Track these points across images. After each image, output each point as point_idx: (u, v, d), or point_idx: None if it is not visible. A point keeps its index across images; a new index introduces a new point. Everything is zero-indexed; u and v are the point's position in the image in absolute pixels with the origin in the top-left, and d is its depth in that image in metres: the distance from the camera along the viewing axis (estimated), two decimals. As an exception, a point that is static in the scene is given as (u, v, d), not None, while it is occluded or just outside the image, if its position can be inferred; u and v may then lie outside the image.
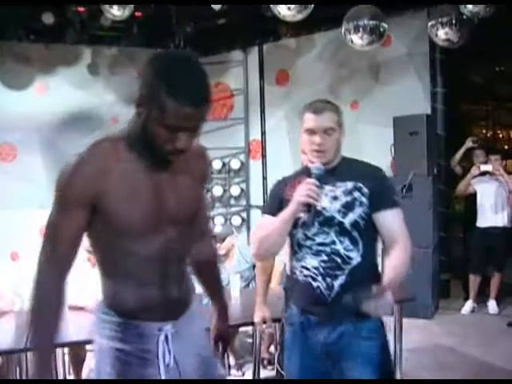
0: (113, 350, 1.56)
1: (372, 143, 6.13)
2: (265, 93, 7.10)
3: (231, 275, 4.01)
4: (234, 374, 4.15)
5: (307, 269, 2.12)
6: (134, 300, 1.56)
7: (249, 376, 4.08)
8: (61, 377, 3.68)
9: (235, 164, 7.17)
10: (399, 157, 5.77)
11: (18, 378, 3.45)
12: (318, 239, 2.11)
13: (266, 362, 4.19)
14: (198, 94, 1.44)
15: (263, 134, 7.12)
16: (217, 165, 7.08)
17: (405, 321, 3.75)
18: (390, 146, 5.80)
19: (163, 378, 1.56)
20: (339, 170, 2.18)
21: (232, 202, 7.25)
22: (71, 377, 3.81)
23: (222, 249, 4.55)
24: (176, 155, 1.50)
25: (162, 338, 1.57)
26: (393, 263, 2.05)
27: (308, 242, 2.14)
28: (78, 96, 6.76)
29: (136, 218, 1.50)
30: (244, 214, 7.18)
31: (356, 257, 2.09)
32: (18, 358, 3.40)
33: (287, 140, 6.85)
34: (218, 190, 7.15)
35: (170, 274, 1.60)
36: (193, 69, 1.48)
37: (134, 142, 1.52)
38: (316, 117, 2.14)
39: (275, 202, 2.24)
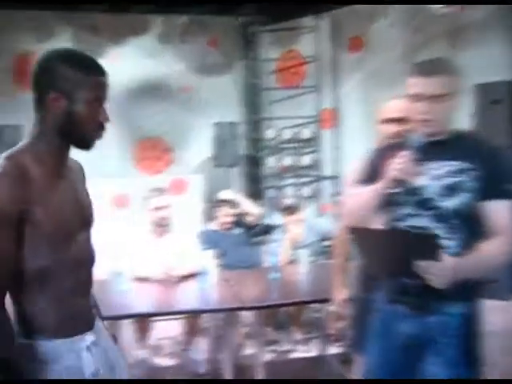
0: (45, 373, 1.46)
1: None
2: (337, 60, 6.84)
3: (300, 250, 3.90)
4: (301, 349, 4.07)
5: None
6: (64, 314, 1.50)
7: (315, 352, 3.99)
8: (126, 347, 3.72)
9: (306, 134, 6.99)
10: (479, 127, 5.42)
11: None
12: (411, 222, 1.87)
13: (333, 339, 4.08)
14: (98, 64, 1.53)
15: (336, 102, 6.89)
16: (287, 134, 6.93)
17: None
18: (470, 116, 5.46)
19: None
20: (448, 144, 1.87)
21: (302, 172, 7.09)
22: (137, 347, 3.84)
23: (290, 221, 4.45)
24: (101, 132, 1.54)
25: (86, 350, 1.52)
26: (483, 253, 1.80)
27: (399, 224, 1.90)
28: (148, 65, 6.75)
29: (63, 220, 1.49)
30: (314, 185, 7.02)
31: (453, 247, 1.81)
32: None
33: (360, 109, 6.58)
34: (287, 160, 7.01)
35: (88, 280, 1.61)
36: (79, 51, 1.58)
37: (45, 149, 1.50)
38: (423, 80, 1.83)
39: (367, 174, 2.01)
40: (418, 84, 1.84)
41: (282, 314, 4.22)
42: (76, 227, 1.55)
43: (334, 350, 3.93)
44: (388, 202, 1.91)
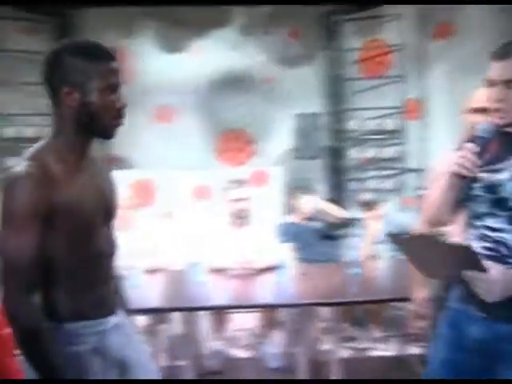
0: (75, 355, 1.53)
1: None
2: (424, 48, 6.58)
3: (380, 245, 3.79)
4: (379, 348, 3.97)
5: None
6: (91, 300, 1.57)
7: (394, 351, 3.88)
8: (204, 338, 3.77)
9: (390, 125, 6.79)
10: None
11: (166, 336, 3.59)
12: (487, 221, 1.71)
13: (413, 339, 3.95)
14: (106, 49, 1.51)
15: (421, 92, 6.64)
16: (370, 125, 6.76)
17: None
18: None
19: (112, 371, 1.59)
20: None
21: (385, 164, 6.91)
22: (213, 337, 3.88)
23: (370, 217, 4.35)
24: (120, 119, 1.53)
25: (107, 332, 1.60)
26: None
27: (475, 222, 1.75)
28: (232, 57, 6.79)
29: (87, 215, 1.52)
30: (397, 178, 6.82)
31: None
32: (166, 317, 3.54)
33: (447, 99, 6.31)
34: (370, 152, 6.85)
35: (111, 269, 1.65)
36: (84, 40, 1.58)
37: (65, 145, 1.51)
38: (498, 64, 1.65)
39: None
40: (492, 68, 1.66)
41: (361, 310, 4.13)
42: (99, 219, 1.58)
43: (413, 350, 3.81)
44: (468, 198, 1.76)
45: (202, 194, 6.05)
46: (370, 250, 4.16)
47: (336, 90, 6.98)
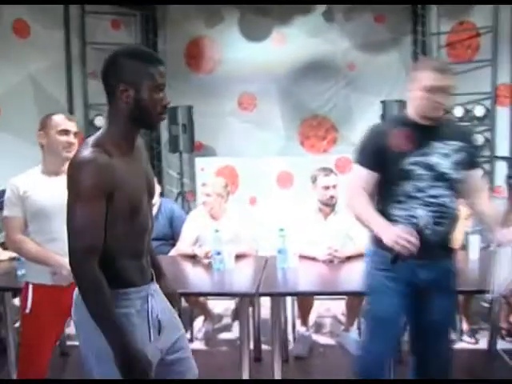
0: (125, 315, 1.76)
1: None
2: (517, 30, 6.28)
3: (470, 235, 3.68)
4: (467, 341, 3.87)
5: (415, 218, 2.29)
6: (135, 269, 1.83)
7: (483, 345, 3.78)
8: (291, 323, 3.81)
9: (479, 111, 6.54)
10: None
11: (252, 319, 3.66)
12: (430, 192, 2.32)
13: (504, 333, 3.83)
14: (156, 56, 1.79)
15: (514, 77, 6.35)
16: (458, 112, 6.54)
17: None
18: None
19: (152, 331, 1.84)
20: (445, 127, 2.37)
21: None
22: (299, 323, 3.93)
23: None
24: (165, 114, 1.80)
25: (150, 297, 1.86)
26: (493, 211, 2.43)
27: (419, 194, 2.32)
28: (314, 44, 6.77)
29: (136, 196, 1.78)
30: (487, 166, 6.58)
31: (454, 207, 2.39)
32: (252, 301, 3.60)
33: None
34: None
35: (149, 242, 1.92)
36: (139, 46, 1.97)
37: (120, 134, 1.76)
38: (440, 76, 2.25)
39: (373, 153, 2.36)
40: (435, 78, 2.25)
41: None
42: (144, 199, 1.84)
43: (504, 344, 3.70)
44: (406, 177, 2.31)
45: (285, 181, 6.08)
46: (459, 240, 4.05)
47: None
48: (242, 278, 3.36)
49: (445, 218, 2.35)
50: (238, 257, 3.63)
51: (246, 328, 3.35)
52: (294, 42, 6.82)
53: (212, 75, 6.88)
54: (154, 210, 4.00)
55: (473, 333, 3.94)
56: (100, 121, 6.50)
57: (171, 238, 4.03)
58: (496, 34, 6.31)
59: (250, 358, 3.47)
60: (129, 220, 1.76)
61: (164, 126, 6.40)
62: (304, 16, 6.85)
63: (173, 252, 3.91)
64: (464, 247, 3.71)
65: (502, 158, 6.32)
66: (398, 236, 2.17)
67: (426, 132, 2.33)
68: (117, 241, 1.75)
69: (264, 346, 3.73)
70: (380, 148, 2.33)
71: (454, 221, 2.42)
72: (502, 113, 6.42)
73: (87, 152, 1.68)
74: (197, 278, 3.50)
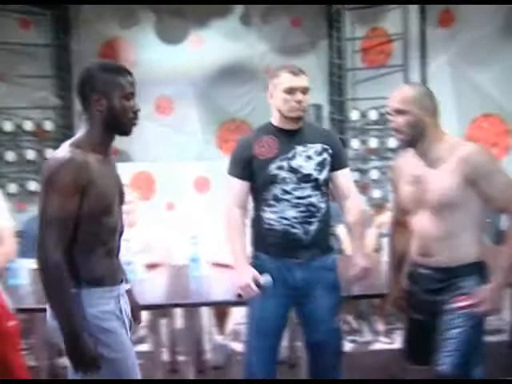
0: (96, 316, 1.86)
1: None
2: (426, 36, 6.50)
3: (382, 238, 3.74)
4: (383, 341, 3.93)
5: (286, 219, 2.45)
6: (107, 268, 1.93)
7: (398, 345, 3.84)
8: (207, 332, 3.74)
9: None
10: None
11: (167, 331, 3.55)
12: (297, 193, 2.46)
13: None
14: (125, 67, 1.96)
15: (423, 82, 6.56)
16: (373, 115, 6.69)
17: None
18: None
19: (127, 330, 1.96)
20: (306, 131, 2.52)
21: (388, 154, 6.84)
22: (215, 332, 3.85)
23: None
24: (136, 120, 1.95)
25: (121, 297, 1.97)
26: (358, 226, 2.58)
27: (287, 196, 2.46)
28: (231, 47, 6.75)
29: (109, 196, 1.90)
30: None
31: (324, 206, 2.50)
32: (167, 312, 3.50)
33: (450, 88, 6.26)
34: (373, 142, 6.78)
35: (119, 245, 2.01)
36: (109, 61, 2.25)
37: (96, 139, 1.90)
38: (296, 78, 2.42)
39: (242, 163, 2.51)
40: (290, 79, 2.42)
41: (364, 303, 4.09)
42: (115, 201, 1.95)
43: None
44: (272, 181, 2.45)
45: (203, 186, 5.98)
46: (374, 244, 4.11)
47: (338, 80, 6.92)
48: (154, 288, 3.25)
49: (315, 216, 2.47)
50: (151, 266, 3.51)
51: (158, 339, 3.25)
52: (211, 44, 6.76)
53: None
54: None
55: (388, 333, 4.00)
56: (9, 126, 6.19)
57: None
58: (406, 40, 6.50)
59: (164, 369, 3.38)
60: (102, 217, 1.87)
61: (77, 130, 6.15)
62: (221, 19, 6.80)
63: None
64: (377, 250, 3.77)
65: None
66: (246, 285, 2.41)
67: (288, 137, 2.48)
68: (90, 238, 1.86)
69: (181, 357, 3.62)
70: (247, 157, 2.49)
71: (327, 219, 2.53)
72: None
73: (63, 150, 1.83)
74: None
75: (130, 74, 1.94)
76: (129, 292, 2.10)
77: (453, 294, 2.20)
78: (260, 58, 6.81)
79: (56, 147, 6.37)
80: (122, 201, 2.04)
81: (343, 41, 6.88)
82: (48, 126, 6.41)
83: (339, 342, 2.61)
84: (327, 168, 2.51)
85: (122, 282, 2.02)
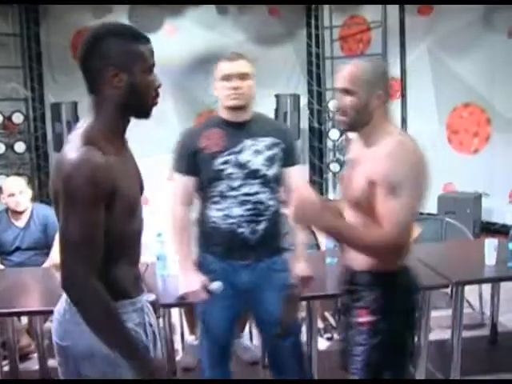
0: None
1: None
2: (405, 25, 6.40)
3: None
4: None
5: (232, 217, 2.30)
6: (129, 277, 1.61)
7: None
8: (177, 334, 3.63)
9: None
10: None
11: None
12: (244, 190, 2.30)
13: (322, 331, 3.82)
14: (143, 33, 1.55)
15: (403, 70, 6.47)
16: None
17: None
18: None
19: (158, 344, 1.70)
20: (257, 124, 2.35)
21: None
22: (187, 332, 3.74)
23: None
24: (158, 99, 1.58)
25: (146, 308, 1.67)
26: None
27: (233, 193, 2.30)
28: (207, 37, 6.60)
29: (134, 195, 1.58)
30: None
31: (274, 204, 2.35)
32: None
33: (430, 76, 6.17)
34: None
35: (139, 247, 1.69)
36: (123, 23, 1.64)
37: (109, 127, 1.54)
38: (231, 63, 2.27)
39: (187, 158, 2.32)
40: (226, 66, 2.27)
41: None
42: (139, 196, 1.65)
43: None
44: (218, 177, 2.28)
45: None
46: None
47: (316, 69, 6.81)
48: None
49: (263, 215, 2.32)
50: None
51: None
52: (187, 34, 6.61)
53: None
54: (26, 217, 3.68)
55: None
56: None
57: (45, 246, 3.70)
58: (385, 29, 6.40)
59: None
60: (127, 223, 1.55)
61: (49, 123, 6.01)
62: (197, 7, 6.65)
63: (47, 263, 3.60)
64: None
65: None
66: (194, 292, 2.30)
67: (236, 130, 2.31)
68: (113, 248, 1.52)
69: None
70: (192, 151, 2.31)
71: (277, 218, 2.38)
72: (392, 105, 6.50)
73: (78, 153, 1.43)
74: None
75: (149, 40, 1.57)
76: (153, 303, 1.79)
77: (354, 305, 1.92)
78: (237, 48, 6.65)
79: (26, 141, 6.13)
80: (142, 193, 1.72)
81: (322, 29, 6.76)
82: (18, 118, 6.21)
83: (296, 343, 2.49)
84: (277, 164, 2.35)
85: (143, 292, 1.70)
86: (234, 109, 2.30)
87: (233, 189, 2.30)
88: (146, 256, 3.57)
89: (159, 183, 5.68)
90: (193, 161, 2.32)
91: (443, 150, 6.11)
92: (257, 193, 2.31)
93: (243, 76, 2.27)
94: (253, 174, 2.30)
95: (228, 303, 2.37)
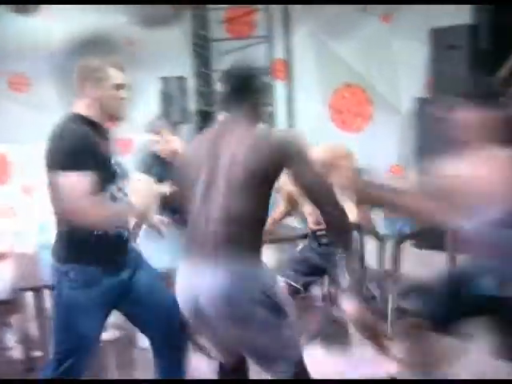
0: None
1: (406, 60, 5.69)
2: (288, 8, 6.51)
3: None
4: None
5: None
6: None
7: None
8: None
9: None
10: (437, 76, 5.30)
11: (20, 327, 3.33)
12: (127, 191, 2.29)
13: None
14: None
15: (288, 52, 6.60)
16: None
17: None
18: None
19: None
20: None
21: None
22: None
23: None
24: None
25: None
26: None
27: (120, 195, 2.24)
28: (89, 19, 6.35)
29: None
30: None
31: None
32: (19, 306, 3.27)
33: (313, 58, 6.35)
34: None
35: None
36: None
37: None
38: (122, 74, 2.32)
39: (87, 155, 2.13)
40: (118, 76, 2.31)
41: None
42: None
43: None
44: (108, 179, 2.18)
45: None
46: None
47: (203, 52, 6.79)
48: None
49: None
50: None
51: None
52: (66, 16, 6.32)
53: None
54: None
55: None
56: None
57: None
58: (269, 12, 6.48)
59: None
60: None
61: None
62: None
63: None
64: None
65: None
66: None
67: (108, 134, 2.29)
68: None
69: (36, 353, 3.40)
70: (90, 150, 2.15)
71: None
72: (279, 87, 6.64)
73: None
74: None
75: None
76: None
77: None
78: (122, 30, 6.49)
79: None
80: None
81: (207, 11, 6.73)
82: None
83: (180, 347, 2.42)
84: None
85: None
86: (117, 118, 2.30)
87: (121, 190, 2.28)
88: (29, 245, 3.47)
89: (42, 169, 5.49)
90: (91, 159, 2.16)
91: (327, 128, 6.33)
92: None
93: (128, 87, 2.33)
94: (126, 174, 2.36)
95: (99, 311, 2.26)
